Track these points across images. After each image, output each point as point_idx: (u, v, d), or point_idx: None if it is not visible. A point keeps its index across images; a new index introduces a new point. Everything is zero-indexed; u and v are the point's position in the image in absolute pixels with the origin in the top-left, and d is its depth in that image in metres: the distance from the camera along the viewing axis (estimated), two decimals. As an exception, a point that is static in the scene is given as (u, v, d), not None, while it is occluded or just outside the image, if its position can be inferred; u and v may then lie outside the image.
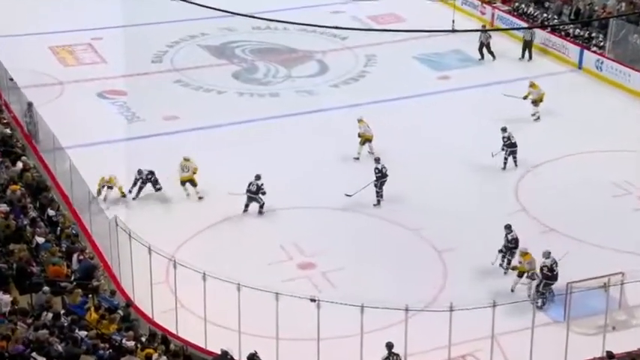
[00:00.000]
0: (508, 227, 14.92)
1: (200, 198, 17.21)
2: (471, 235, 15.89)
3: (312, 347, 12.02)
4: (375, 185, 16.96)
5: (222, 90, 22.88)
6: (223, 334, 12.68)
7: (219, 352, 12.07)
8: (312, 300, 12.07)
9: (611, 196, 17.25)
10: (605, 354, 11.93)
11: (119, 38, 24.80)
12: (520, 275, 14.24)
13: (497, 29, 25.02)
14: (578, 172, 17.85)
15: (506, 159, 18.06)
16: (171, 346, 12.22)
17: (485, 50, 23.78)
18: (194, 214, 16.65)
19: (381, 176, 16.96)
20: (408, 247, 15.77)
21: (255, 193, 16.53)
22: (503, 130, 18.06)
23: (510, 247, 14.77)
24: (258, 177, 16.58)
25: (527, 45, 23.74)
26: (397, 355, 12.05)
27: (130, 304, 13.38)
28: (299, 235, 15.97)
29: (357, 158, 18.69)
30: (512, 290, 14.19)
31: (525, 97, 20.00)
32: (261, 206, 16.56)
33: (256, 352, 11.86)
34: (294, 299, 12.47)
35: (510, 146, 17.97)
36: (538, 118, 20.12)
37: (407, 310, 11.76)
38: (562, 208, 16.77)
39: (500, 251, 14.85)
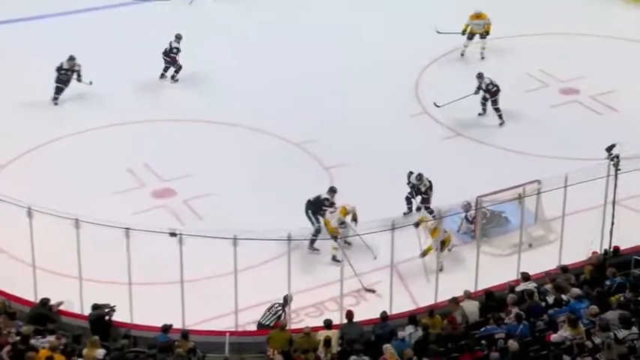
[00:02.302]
0: (419, 178, 13.93)
1: None
2: (364, 147, 15.88)
3: (176, 291, 11.65)
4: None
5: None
6: (60, 283, 12.26)
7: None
8: (173, 234, 11.64)
9: (524, 90, 17.58)
10: (519, 276, 12.19)
11: None
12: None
13: None
14: (486, 63, 17.96)
15: (484, 104, 16.56)
16: (-10, 303, 11.60)
17: None
18: (11, 131, 15.89)
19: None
20: (290, 164, 15.66)
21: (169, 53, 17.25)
22: (480, 76, 16.53)
23: (429, 196, 14.04)
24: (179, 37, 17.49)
25: None
26: (283, 312, 11.86)
27: None
28: (152, 156, 15.53)
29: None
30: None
31: (464, 32, 18.55)
32: (177, 71, 17.57)
33: (106, 307, 11.44)
34: (149, 235, 11.83)
35: (495, 94, 16.40)
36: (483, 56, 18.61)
37: (289, 239, 11.55)
38: (468, 108, 16.86)
39: (415, 204, 14.09)
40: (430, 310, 11.49)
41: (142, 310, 11.79)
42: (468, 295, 11.73)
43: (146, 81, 17.68)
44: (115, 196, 14.45)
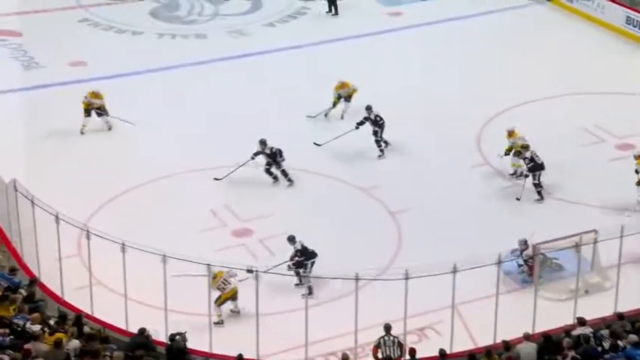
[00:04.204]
0: (291, 239, 13.74)
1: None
2: (428, 194, 16.05)
3: (251, 324, 11.92)
4: (375, 134, 17.19)
5: (139, 31, 22.43)
6: (147, 313, 12.56)
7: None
8: (250, 271, 11.98)
9: (580, 145, 17.58)
10: (575, 321, 12.22)
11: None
12: None
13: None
14: (544, 119, 18.10)
15: (521, 176, 16.08)
16: (86, 329, 12.00)
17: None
18: (109, 178, 16.33)
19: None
20: (358, 208, 15.83)
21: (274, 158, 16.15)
22: (525, 148, 15.84)
23: (300, 260, 13.66)
24: (264, 142, 16.12)
25: None
26: (395, 337, 11.91)
27: (34, 281, 13.06)
28: (232, 198, 15.86)
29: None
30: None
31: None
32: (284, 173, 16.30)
33: (180, 335, 11.70)
34: (228, 271, 12.47)
35: (535, 168, 15.73)
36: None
37: (357, 279, 11.72)
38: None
39: (290, 267, 13.54)
40: (488, 351, 11.50)
41: (220, 340, 12.01)
42: (527, 337, 11.73)
43: (220, 132, 17.72)
44: (198, 235, 14.68)
